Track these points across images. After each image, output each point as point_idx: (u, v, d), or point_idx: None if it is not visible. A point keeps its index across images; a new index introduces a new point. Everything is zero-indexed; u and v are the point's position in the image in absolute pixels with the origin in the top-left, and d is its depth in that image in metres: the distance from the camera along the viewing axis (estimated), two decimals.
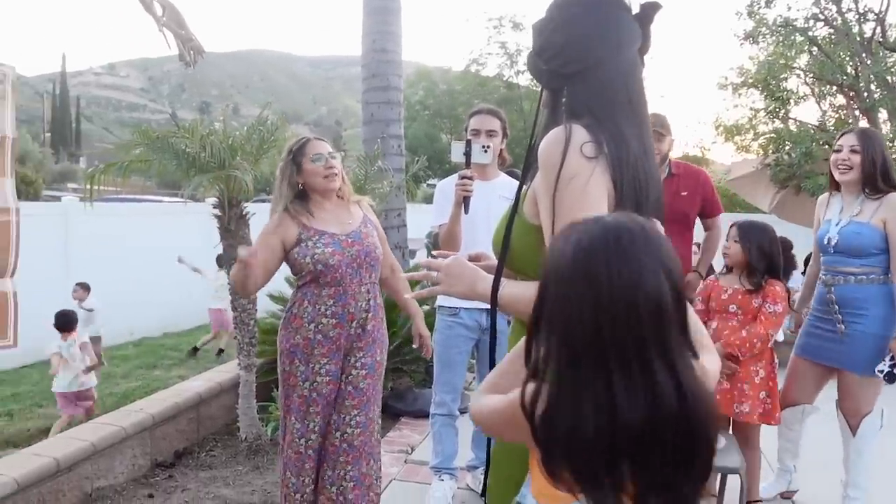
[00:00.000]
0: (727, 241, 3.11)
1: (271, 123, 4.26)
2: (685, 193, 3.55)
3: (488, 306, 1.40)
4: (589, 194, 1.25)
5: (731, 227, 3.13)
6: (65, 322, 5.14)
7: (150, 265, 8.10)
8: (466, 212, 2.85)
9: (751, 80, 11.61)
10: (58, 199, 11.12)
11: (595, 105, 1.33)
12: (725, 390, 3.03)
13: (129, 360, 6.98)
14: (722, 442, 2.81)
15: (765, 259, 2.98)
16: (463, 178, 2.78)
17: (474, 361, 3.98)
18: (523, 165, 1.47)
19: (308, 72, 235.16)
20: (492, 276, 1.39)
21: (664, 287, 0.95)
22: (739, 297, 3.02)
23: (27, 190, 21.12)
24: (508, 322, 1.50)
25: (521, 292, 1.33)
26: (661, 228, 1.41)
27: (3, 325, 1.93)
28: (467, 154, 2.79)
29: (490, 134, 3.16)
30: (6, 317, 1.93)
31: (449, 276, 1.41)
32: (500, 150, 3.24)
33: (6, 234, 1.92)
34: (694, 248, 6.58)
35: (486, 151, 2.87)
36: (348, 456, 2.68)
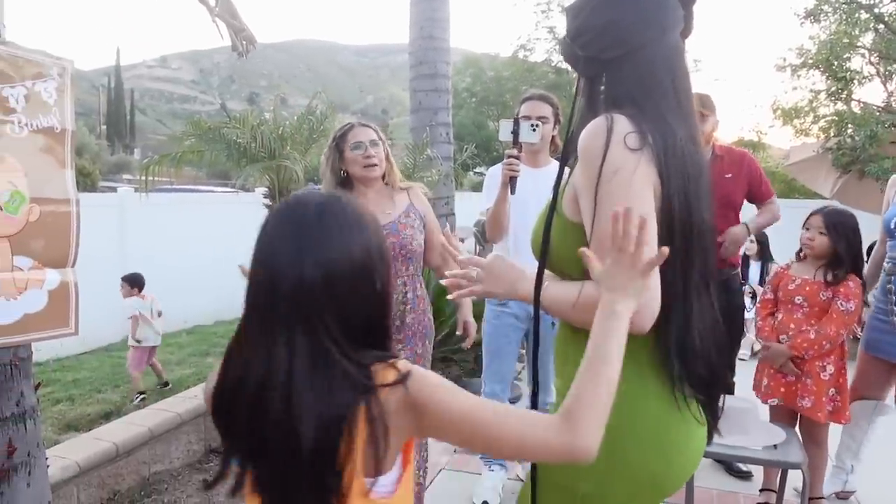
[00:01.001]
0: (807, 230, 2.97)
1: (320, 113, 4.27)
2: (729, 176, 3.41)
3: None
4: (633, 189, 1.17)
5: (813, 215, 2.98)
6: (132, 280, 5.51)
7: (203, 254, 8.25)
8: (513, 192, 2.78)
9: (811, 61, 11.16)
10: (114, 189, 11.40)
11: (637, 93, 1.25)
12: (790, 383, 2.92)
13: (182, 347, 7.14)
14: (782, 436, 2.71)
15: (852, 253, 2.84)
16: (510, 157, 2.70)
17: (524, 351, 3.92)
18: (560, 160, 1.37)
19: (354, 61, 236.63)
20: (531, 275, 1.32)
21: (290, 269, 0.96)
22: (807, 288, 2.89)
23: (84, 181, 21.78)
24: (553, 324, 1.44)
25: (563, 293, 1.26)
26: (711, 219, 1.31)
27: (66, 313, 1.95)
28: (515, 132, 2.70)
29: (541, 120, 3.07)
30: (68, 305, 1.96)
31: (490, 276, 1.37)
32: (553, 136, 3.16)
33: (67, 224, 1.95)
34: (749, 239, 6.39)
35: (534, 130, 2.77)
36: None
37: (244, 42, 2.25)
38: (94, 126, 61.42)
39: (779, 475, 2.99)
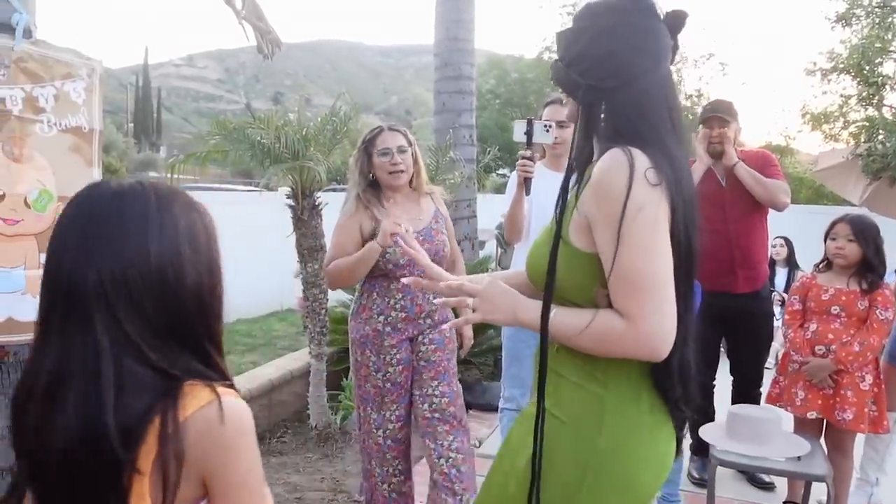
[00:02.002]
0: (833, 239, 2.92)
1: (344, 114, 4.28)
2: None
3: None
4: (658, 226, 1.21)
5: (836, 223, 2.94)
6: None
7: (225, 252, 8.31)
8: (527, 193, 2.77)
9: (842, 65, 11.00)
10: None
11: (638, 122, 1.28)
12: (827, 396, 2.86)
13: None
14: (807, 447, 2.66)
15: (880, 258, 2.81)
16: (523, 158, 2.70)
17: None
18: (561, 187, 1.37)
19: (378, 61, 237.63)
20: (531, 301, 1.34)
21: (78, 265, 0.90)
22: (843, 297, 2.84)
23: (111, 178, 22.01)
24: None
25: (574, 320, 1.27)
26: (697, 236, 1.34)
27: None
28: (528, 133, 2.67)
29: (561, 125, 3.05)
30: None
31: (485, 303, 1.37)
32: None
33: None
34: (780, 241, 6.31)
35: (547, 130, 2.75)
36: (446, 425, 2.65)
37: (270, 44, 2.26)
38: (121, 124, 62.29)
39: (803, 487, 2.94)
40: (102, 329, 0.89)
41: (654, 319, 1.19)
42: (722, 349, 3.69)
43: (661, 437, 1.34)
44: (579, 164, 1.36)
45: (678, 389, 1.31)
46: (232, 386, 0.97)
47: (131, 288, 0.91)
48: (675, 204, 1.24)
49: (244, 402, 0.96)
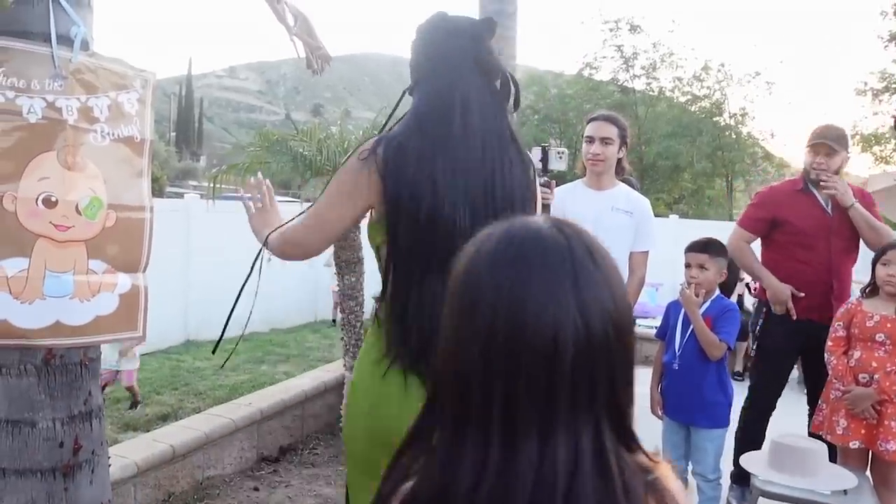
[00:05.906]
0: (884, 265, 2.83)
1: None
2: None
3: None
4: (343, 185, 1.62)
5: (890, 249, 2.84)
6: None
7: (261, 263, 8.40)
8: None
9: (894, 85, 10.72)
10: (181, 195, 11.71)
11: (419, 111, 1.63)
12: (870, 426, 2.76)
13: (238, 354, 7.26)
14: (854, 481, 2.57)
15: None
16: (541, 185, 2.76)
17: None
18: None
19: None
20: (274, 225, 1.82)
21: (563, 324, 0.68)
22: (888, 325, 2.75)
23: (153, 187, 22.44)
24: None
25: (259, 228, 1.89)
26: (454, 217, 1.57)
27: (135, 317, 2.00)
28: (543, 161, 2.80)
29: (605, 142, 3.02)
30: (138, 309, 2.00)
31: (260, 213, 1.94)
32: (619, 158, 3.09)
33: (141, 230, 2.00)
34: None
35: (560, 158, 2.87)
36: None
37: (319, 60, 2.29)
38: (163, 133, 63.75)
39: None
40: (602, 409, 0.71)
41: (294, 234, 1.74)
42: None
43: (390, 378, 1.54)
44: None
45: (410, 337, 1.51)
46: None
47: (599, 349, 0.70)
48: (386, 177, 1.53)
49: None
